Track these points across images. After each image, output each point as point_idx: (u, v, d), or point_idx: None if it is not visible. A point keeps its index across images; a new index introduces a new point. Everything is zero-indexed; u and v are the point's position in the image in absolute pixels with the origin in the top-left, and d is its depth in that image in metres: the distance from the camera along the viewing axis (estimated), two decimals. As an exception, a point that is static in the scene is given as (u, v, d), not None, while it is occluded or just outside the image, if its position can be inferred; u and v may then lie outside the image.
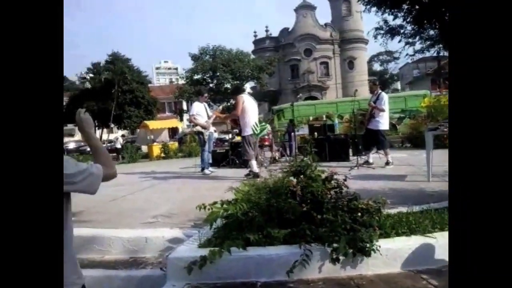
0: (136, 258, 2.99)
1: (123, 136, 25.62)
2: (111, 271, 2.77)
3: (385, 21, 12.89)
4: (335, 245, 2.42)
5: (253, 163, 6.35)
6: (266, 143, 9.01)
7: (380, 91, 7.35)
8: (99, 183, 1.40)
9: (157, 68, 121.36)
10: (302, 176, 3.08)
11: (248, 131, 6.40)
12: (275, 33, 49.05)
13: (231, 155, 8.71)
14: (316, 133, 8.82)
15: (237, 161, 8.45)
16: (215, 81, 34.97)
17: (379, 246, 2.40)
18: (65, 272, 1.34)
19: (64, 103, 29.94)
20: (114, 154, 19.44)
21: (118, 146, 19.80)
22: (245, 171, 6.76)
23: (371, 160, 7.27)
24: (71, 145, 28.06)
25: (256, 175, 5.89)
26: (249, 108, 6.46)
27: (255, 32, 49.23)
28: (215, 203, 2.91)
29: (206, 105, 7.92)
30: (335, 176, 3.03)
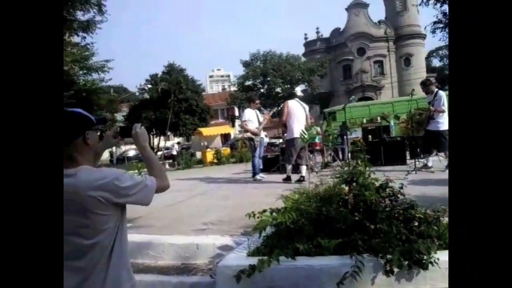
0: (187, 264, 3.08)
1: (178, 143, 26.67)
2: (164, 276, 2.87)
3: (444, 13, 12.09)
4: (388, 256, 2.29)
5: (289, 168, 6.72)
6: (317, 147, 8.86)
7: (436, 89, 6.85)
8: (153, 195, 1.46)
9: (210, 76, 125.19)
10: (354, 183, 2.98)
11: (290, 135, 6.64)
12: (326, 34, 48.31)
13: (281, 160, 8.67)
14: (370, 136, 8.49)
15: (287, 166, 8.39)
16: (266, 86, 35.25)
17: (438, 259, 2.23)
18: (119, 280, 1.41)
19: (125, 113, 31.93)
20: (170, 161, 20.33)
21: (174, 152, 20.68)
22: (295, 177, 6.69)
23: (430, 164, 6.84)
24: (131, 153, 29.79)
25: (288, 178, 6.52)
26: (294, 113, 6.64)
27: (305, 34, 48.90)
28: (264, 211, 2.91)
29: (257, 111, 8.00)
30: (390, 184, 2.88)
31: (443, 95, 6.63)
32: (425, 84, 7.05)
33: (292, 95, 7.52)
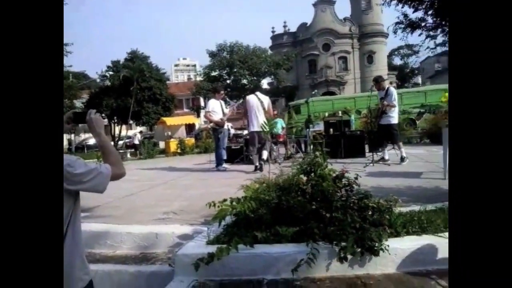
0: (146, 253, 3.04)
1: (141, 132, 26.01)
2: (121, 266, 2.82)
3: (405, 15, 12.60)
4: (343, 243, 2.39)
5: (255, 157, 6.99)
6: (280, 139, 8.98)
7: (388, 86, 7.26)
8: (108, 183, 1.43)
9: (175, 65, 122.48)
10: (312, 174, 3.06)
11: (250, 128, 7.01)
12: (293, 28, 48.70)
13: (245, 151, 8.72)
14: (331, 130, 8.72)
15: (251, 157, 8.46)
16: (232, 78, 35.07)
17: (388, 245, 2.36)
18: (73, 268, 1.38)
19: (84, 101, 30.62)
20: (132, 150, 19.82)
21: (136, 142, 20.17)
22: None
23: (387, 157, 7.15)
24: (91, 141, 28.68)
25: (257, 168, 6.71)
26: (253, 106, 6.93)
27: (273, 27, 49.03)
28: (224, 200, 2.92)
29: (222, 102, 7.97)
30: (346, 174, 2.99)
31: (394, 91, 7.05)
32: (377, 81, 7.40)
33: (255, 89, 7.71)
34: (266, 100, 7.07)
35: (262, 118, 6.57)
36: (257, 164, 6.83)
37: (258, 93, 7.18)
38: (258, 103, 6.95)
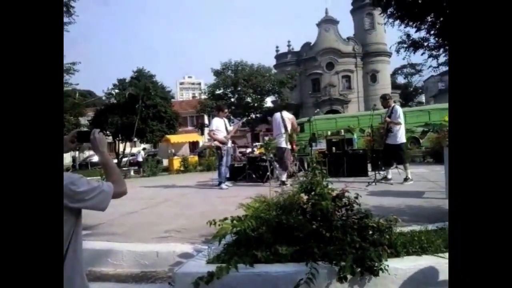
0: (146, 272, 3.04)
1: (144, 149, 26.13)
2: (121, 284, 2.83)
3: (408, 35, 12.79)
4: (342, 263, 2.39)
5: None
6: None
7: (393, 104, 7.26)
8: (109, 200, 1.47)
9: (181, 83, 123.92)
10: (312, 193, 3.08)
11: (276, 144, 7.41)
12: (297, 47, 49.37)
13: (248, 169, 8.74)
14: (334, 148, 8.74)
15: (253, 176, 8.47)
16: (236, 96, 35.40)
17: (388, 266, 2.35)
18: (73, 286, 1.40)
19: (90, 118, 30.94)
20: (136, 167, 19.87)
21: (140, 159, 20.24)
22: (261, 185, 6.77)
23: (390, 176, 7.13)
24: (95, 159, 28.83)
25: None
26: (276, 124, 7.55)
27: (277, 47, 49.73)
28: (225, 219, 2.94)
29: (226, 120, 8.06)
30: (347, 193, 3.00)
31: (399, 109, 7.05)
32: (384, 98, 7.43)
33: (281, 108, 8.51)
34: (289, 117, 7.57)
35: (280, 135, 7.31)
36: (283, 179, 7.14)
37: (284, 111, 7.68)
38: (280, 121, 7.45)
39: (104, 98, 33.84)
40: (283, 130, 7.38)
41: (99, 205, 1.43)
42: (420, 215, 3.93)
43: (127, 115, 28.03)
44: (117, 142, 30.48)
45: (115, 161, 28.57)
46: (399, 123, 6.87)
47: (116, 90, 31.44)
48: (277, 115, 7.62)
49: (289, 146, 7.61)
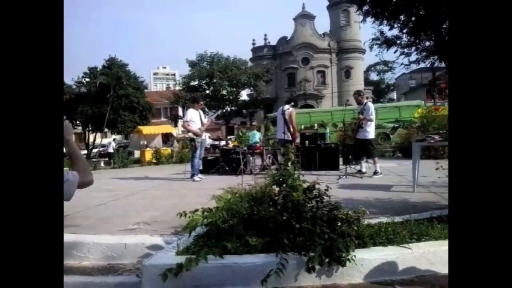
0: (114, 264, 2.97)
1: (115, 140, 25.49)
2: (86, 277, 2.75)
3: (381, 32, 13.09)
4: (311, 254, 2.42)
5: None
6: (257, 150, 9.03)
7: (366, 101, 7.46)
8: (74, 190, 1.42)
9: (154, 74, 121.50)
10: (284, 185, 3.09)
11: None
12: (273, 41, 49.41)
13: (221, 162, 8.70)
14: (307, 142, 8.84)
15: (227, 168, 8.45)
16: (211, 88, 35.11)
17: (355, 256, 2.40)
18: None
19: (59, 107, 29.83)
20: (106, 159, 19.39)
21: (111, 150, 19.75)
22: (234, 178, 6.76)
23: (364, 170, 7.32)
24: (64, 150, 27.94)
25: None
26: (277, 117, 8.16)
27: (253, 40, 49.60)
28: (196, 210, 2.91)
29: (200, 112, 7.97)
30: (317, 186, 3.04)
31: (371, 106, 7.25)
32: (359, 94, 7.58)
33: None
34: (287, 111, 8.00)
35: (281, 128, 7.90)
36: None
37: (286, 105, 8.20)
38: (280, 114, 8.03)
39: (74, 87, 32.71)
40: (283, 124, 7.90)
41: (64, 195, 1.37)
42: (388, 207, 4.04)
43: (97, 104, 27.26)
44: (87, 132, 29.59)
45: (85, 152, 27.76)
46: (371, 120, 7.09)
47: (87, 79, 30.47)
48: (280, 108, 8.28)
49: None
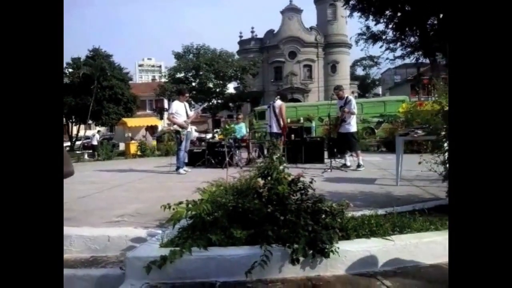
0: (97, 257, 2.94)
1: (99, 132, 25.11)
2: (69, 269, 2.70)
3: (368, 27, 13.15)
4: (295, 246, 2.44)
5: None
6: (243, 144, 9.02)
7: (346, 95, 7.57)
8: None
9: (140, 65, 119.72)
10: (269, 178, 3.10)
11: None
12: (260, 34, 49.21)
13: (207, 155, 8.67)
14: (293, 135, 8.88)
15: (212, 161, 8.43)
16: (197, 80, 34.82)
17: (338, 248, 2.43)
18: None
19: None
20: (90, 151, 19.09)
21: (95, 142, 19.45)
22: (220, 171, 6.74)
23: (348, 163, 7.41)
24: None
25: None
26: (268, 111, 8.18)
27: (240, 32, 49.31)
28: (180, 203, 2.89)
29: (186, 104, 7.90)
30: (302, 179, 3.06)
31: (353, 99, 7.39)
32: (339, 88, 7.69)
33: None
34: (277, 104, 8.18)
35: (273, 122, 8.07)
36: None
37: (277, 100, 8.32)
38: (271, 108, 8.19)
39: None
40: (273, 117, 8.10)
41: None
42: (371, 200, 4.10)
43: (81, 96, 26.73)
44: (70, 124, 29.02)
45: (68, 144, 27.24)
46: (354, 113, 7.20)
47: (70, 69, 29.78)
48: (271, 103, 8.46)
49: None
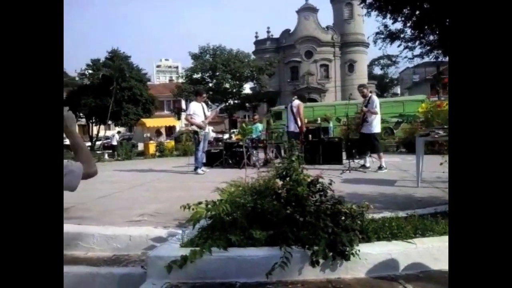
0: (119, 255, 3.00)
1: (119, 132, 25.55)
2: (92, 268, 2.77)
3: (385, 26, 12.99)
4: (315, 248, 2.43)
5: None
6: (260, 144, 9.03)
7: (370, 94, 7.40)
8: (79, 181, 1.42)
9: (157, 66, 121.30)
10: (288, 179, 3.10)
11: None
12: (276, 34, 49.13)
13: (225, 155, 8.71)
14: (310, 136, 8.83)
15: (230, 161, 8.47)
16: (214, 81, 35.03)
17: (359, 250, 2.41)
18: None
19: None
20: (110, 151, 19.45)
21: (114, 143, 19.80)
22: (238, 171, 6.77)
23: (368, 164, 7.30)
24: (68, 141, 28.07)
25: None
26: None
27: (256, 33, 49.31)
28: (199, 203, 2.92)
29: (204, 105, 7.96)
30: (321, 180, 3.04)
31: (376, 99, 7.19)
32: (363, 87, 7.55)
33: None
34: (294, 104, 8.23)
35: (291, 122, 8.15)
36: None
37: (295, 100, 8.41)
38: (289, 108, 8.25)
39: (77, 78, 32.70)
40: (291, 117, 8.16)
41: (68, 186, 1.38)
42: (392, 202, 4.04)
43: (101, 97, 27.25)
44: (90, 124, 29.64)
45: (89, 144, 27.85)
46: (376, 113, 7.03)
47: (90, 71, 30.42)
48: (289, 103, 8.58)
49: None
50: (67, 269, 2.69)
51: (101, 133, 30.07)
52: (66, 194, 1.40)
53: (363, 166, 7.30)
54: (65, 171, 1.36)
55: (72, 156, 1.57)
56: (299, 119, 8.03)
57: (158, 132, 18.96)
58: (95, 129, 30.29)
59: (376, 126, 7.09)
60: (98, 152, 18.40)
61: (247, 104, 38.04)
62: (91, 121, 29.48)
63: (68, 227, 3.35)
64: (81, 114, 27.69)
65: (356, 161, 7.61)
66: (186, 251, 2.44)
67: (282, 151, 9.57)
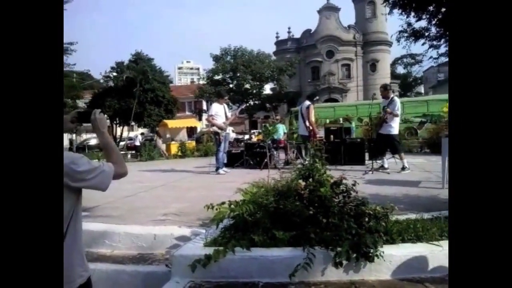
0: (143, 254, 3.07)
1: (142, 134, 26.04)
2: (118, 265, 2.85)
3: (409, 24, 12.74)
4: (338, 249, 2.42)
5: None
6: (281, 144, 9.02)
7: (392, 95, 7.26)
8: (110, 181, 1.47)
9: (179, 68, 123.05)
10: (310, 179, 3.09)
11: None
12: (297, 34, 48.90)
13: (245, 155, 8.75)
14: (332, 136, 8.75)
15: (251, 162, 8.50)
16: (235, 82, 35.22)
17: (383, 252, 2.38)
18: (72, 265, 1.41)
19: (87, 101, 30.74)
20: (133, 151, 19.84)
21: (137, 143, 20.17)
22: (259, 172, 6.80)
23: (386, 165, 7.18)
24: (92, 142, 28.81)
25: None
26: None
27: (277, 33, 49.24)
28: (223, 203, 2.95)
29: (225, 106, 8.02)
30: (344, 181, 3.02)
31: (398, 101, 7.05)
32: (385, 88, 7.39)
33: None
34: (304, 106, 8.04)
35: (301, 124, 8.03)
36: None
37: (306, 101, 8.18)
38: (299, 109, 8.20)
39: (101, 81, 33.54)
40: (301, 119, 8.04)
41: (100, 185, 1.43)
42: (416, 203, 3.96)
43: (124, 98, 27.84)
44: (114, 125, 30.35)
45: (113, 144, 28.38)
46: (397, 115, 6.92)
47: (114, 73, 31.14)
48: (301, 104, 8.49)
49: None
50: (93, 266, 2.79)
51: (124, 134, 30.73)
52: (96, 193, 1.45)
53: (382, 167, 7.18)
54: (98, 171, 1.41)
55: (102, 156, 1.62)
56: (308, 122, 7.81)
57: (157, 134, 18.78)
58: (118, 130, 30.97)
59: (395, 127, 6.97)
60: (122, 152, 18.75)
61: (267, 105, 38.05)
62: (115, 122, 30.16)
63: (94, 225, 3.46)
64: (106, 116, 28.36)
65: (379, 162, 7.48)
66: (209, 251, 2.48)
67: (303, 152, 9.53)
